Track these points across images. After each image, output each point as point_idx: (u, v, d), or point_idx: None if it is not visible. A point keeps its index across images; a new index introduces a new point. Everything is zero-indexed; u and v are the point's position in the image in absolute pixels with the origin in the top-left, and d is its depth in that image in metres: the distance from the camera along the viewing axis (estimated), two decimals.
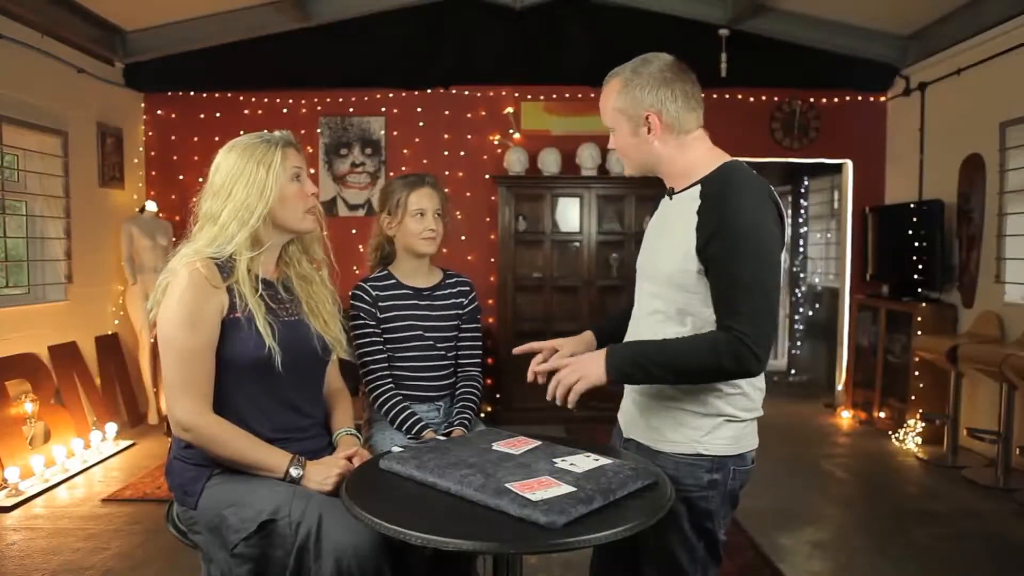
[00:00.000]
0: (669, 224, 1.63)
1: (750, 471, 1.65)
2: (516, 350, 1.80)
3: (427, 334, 2.20)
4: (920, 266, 4.91)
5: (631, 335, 1.71)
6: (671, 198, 1.67)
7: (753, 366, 1.46)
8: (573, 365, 1.55)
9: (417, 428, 2.10)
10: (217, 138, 5.48)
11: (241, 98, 5.68)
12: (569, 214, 5.53)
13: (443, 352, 2.24)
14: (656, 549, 1.63)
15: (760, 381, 1.62)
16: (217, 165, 1.75)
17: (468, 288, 2.32)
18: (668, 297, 1.59)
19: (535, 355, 1.76)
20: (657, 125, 1.58)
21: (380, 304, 2.19)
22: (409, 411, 2.14)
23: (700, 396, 1.57)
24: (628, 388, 1.74)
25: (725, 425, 1.58)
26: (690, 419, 1.59)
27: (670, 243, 1.59)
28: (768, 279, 1.48)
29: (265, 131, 1.82)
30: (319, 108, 5.68)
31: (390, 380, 2.18)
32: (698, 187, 1.58)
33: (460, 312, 2.28)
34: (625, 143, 1.64)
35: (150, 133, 5.71)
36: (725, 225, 1.48)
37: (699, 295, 1.54)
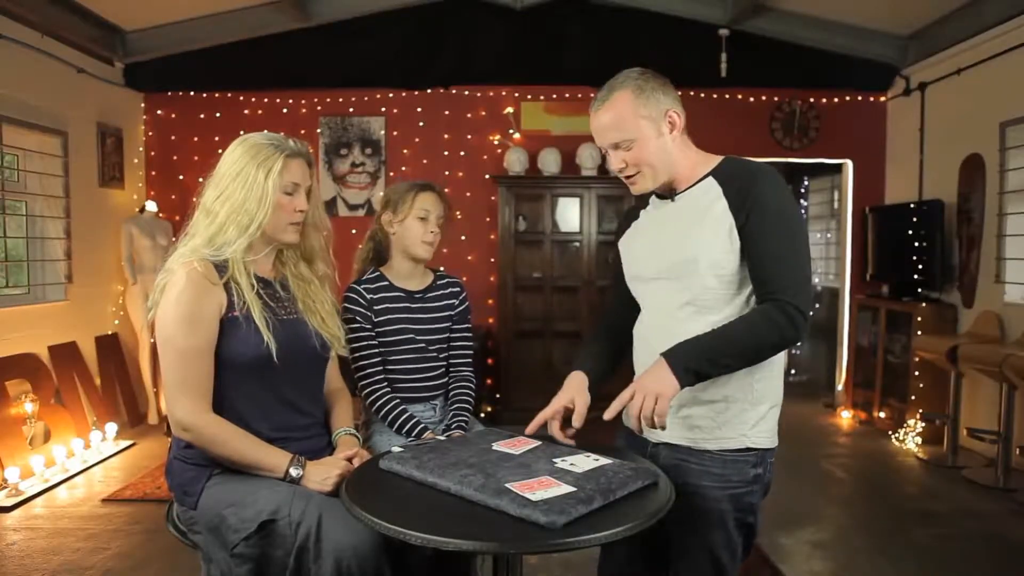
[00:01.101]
0: (686, 219, 1.62)
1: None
2: (528, 431, 1.71)
3: (419, 337, 2.21)
4: (920, 266, 4.91)
5: (654, 339, 1.65)
6: (673, 199, 1.67)
7: (803, 328, 1.52)
8: (640, 391, 1.48)
9: (416, 431, 2.10)
10: (217, 138, 5.51)
11: (241, 98, 5.68)
12: (569, 214, 5.53)
13: (435, 354, 2.24)
14: (696, 550, 1.61)
15: (782, 363, 1.68)
16: (225, 155, 1.75)
17: (459, 289, 2.32)
18: (704, 286, 1.59)
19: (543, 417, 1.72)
20: (677, 122, 1.62)
21: (375, 307, 2.18)
22: (407, 414, 2.13)
23: (746, 384, 1.59)
24: None
25: (768, 415, 1.62)
26: (738, 412, 1.60)
27: (699, 234, 1.58)
28: (804, 248, 1.57)
29: (283, 135, 1.79)
30: (319, 108, 5.68)
31: (385, 383, 2.17)
32: (709, 179, 1.62)
33: (452, 314, 2.28)
34: (647, 151, 1.61)
35: (150, 133, 5.71)
36: (760, 202, 1.54)
37: (733, 281, 1.58)
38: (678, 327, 1.62)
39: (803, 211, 7.35)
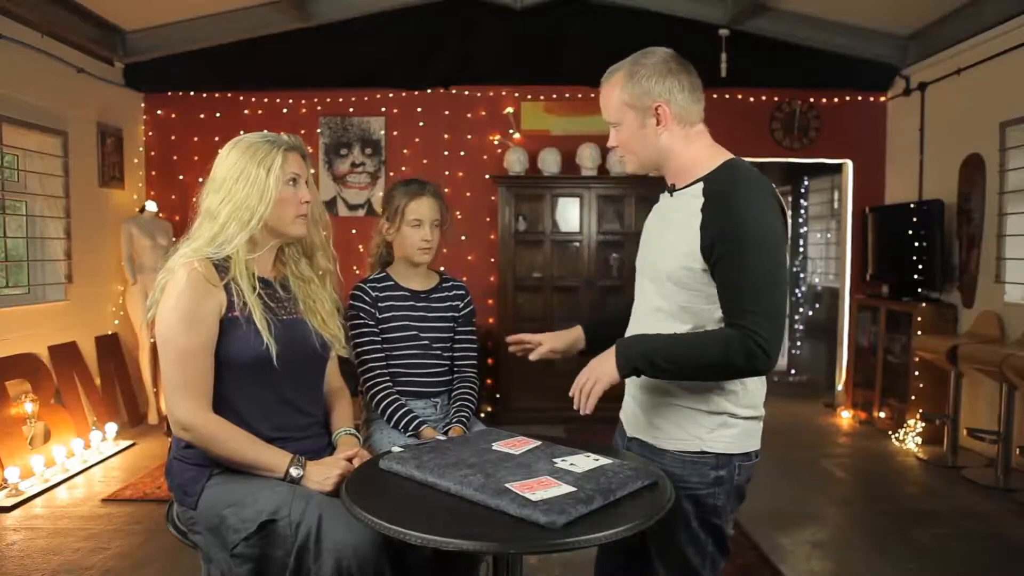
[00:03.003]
0: (670, 221, 1.62)
1: (755, 465, 1.64)
2: (509, 338, 1.90)
3: (423, 335, 2.25)
4: (920, 266, 4.91)
5: (632, 333, 1.70)
6: (671, 195, 1.66)
7: (763, 364, 1.46)
8: (587, 371, 1.56)
9: (414, 424, 2.13)
10: (217, 138, 5.51)
11: (241, 98, 5.67)
12: (569, 214, 5.53)
13: (439, 352, 2.28)
14: (666, 548, 1.63)
15: (762, 378, 1.62)
16: (219, 160, 1.74)
17: (463, 292, 2.36)
18: (669, 295, 1.58)
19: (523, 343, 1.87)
20: (666, 115, 1.57)
21: (379, 305, 2.23)
22: (405, 408, 2.16)
23: (702, 393, 1.57)
24: (629, 387, 1.74)
25: (728, 423, 1.58)
26: (693, 416, 1.59)
27: (671, 241, 1.58)
28: (776, 277, 1.49)
29: (269, 132, 1.80)
30: (319, 108, 5.68)
31: (387, 379, 2.21)
32: (700, 184, 1.57)
33: (456, 315, 2.32)
34: (631, 137, 1.60)
35: (150, 133, 5.71)
36: (731, 224, 1.47)
37: (700, 293, 1.54)
38: (645, 328, 1.63)
39: (803, 211, 7.35)
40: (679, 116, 1.58)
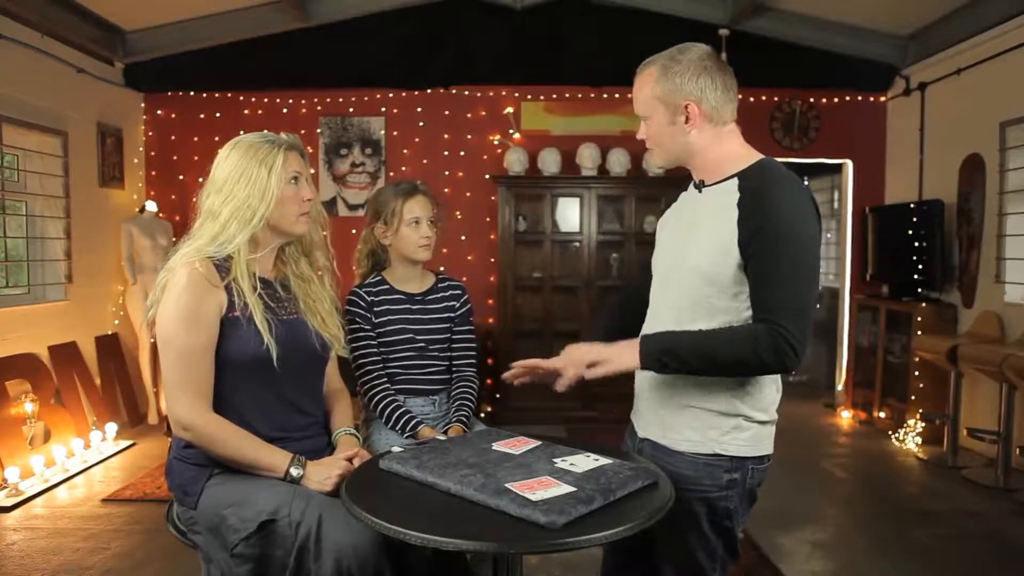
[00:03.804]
0: (699, 217, 1.60)
1: (767, 468, 1.63)
2: (516, 365, 1.70)
3: (419, 337, 2.25)
4: (920, 266, 4.91)
5: (648, 330, 1.67)
6: (700, 190, 1.64)
7: (791, 361, 1.43)
8: (603, 351, 1.54)
9: (411, 425, 2.13)
10: (217, 138, 5.51)
11: (241, 98, 5.68)
12: (569, 214, 5.53)
13: (436, 353, 2.28)
14: (675, 550, 1.62)
15: (778, 382, 1.62)
16: (219, 161, 1.75)
17: (460, 291, 2.36)
18: (694, 290, 1.56)
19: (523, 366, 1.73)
20: (696, 114, 1.56)
21: (375, 309, 2.24)
22: (403, 409, 2.17)
23: (717, 395, 1.56)
24: (641, 387, 1.72)
25: (742, 426, 1.56)
26: (708, 418, 1.57)
27: (703, 236, 1.55)
28: (809, 276, 1.48)
29: (267, 131, 1.80)
30: (319, 108, 5.68)
31: (385, 380, 2.22)
32: (735, 180, 1.55)
33: (452, 315, 2.32)
34: (660, 132, 1.60)
35: (150, 133, 5.71)
36: (769, 220, 1.46)
37: (728, 289, 1.52)
38: (666, 325, 1.60)
39: None
40: (710, 115, 1.57)
